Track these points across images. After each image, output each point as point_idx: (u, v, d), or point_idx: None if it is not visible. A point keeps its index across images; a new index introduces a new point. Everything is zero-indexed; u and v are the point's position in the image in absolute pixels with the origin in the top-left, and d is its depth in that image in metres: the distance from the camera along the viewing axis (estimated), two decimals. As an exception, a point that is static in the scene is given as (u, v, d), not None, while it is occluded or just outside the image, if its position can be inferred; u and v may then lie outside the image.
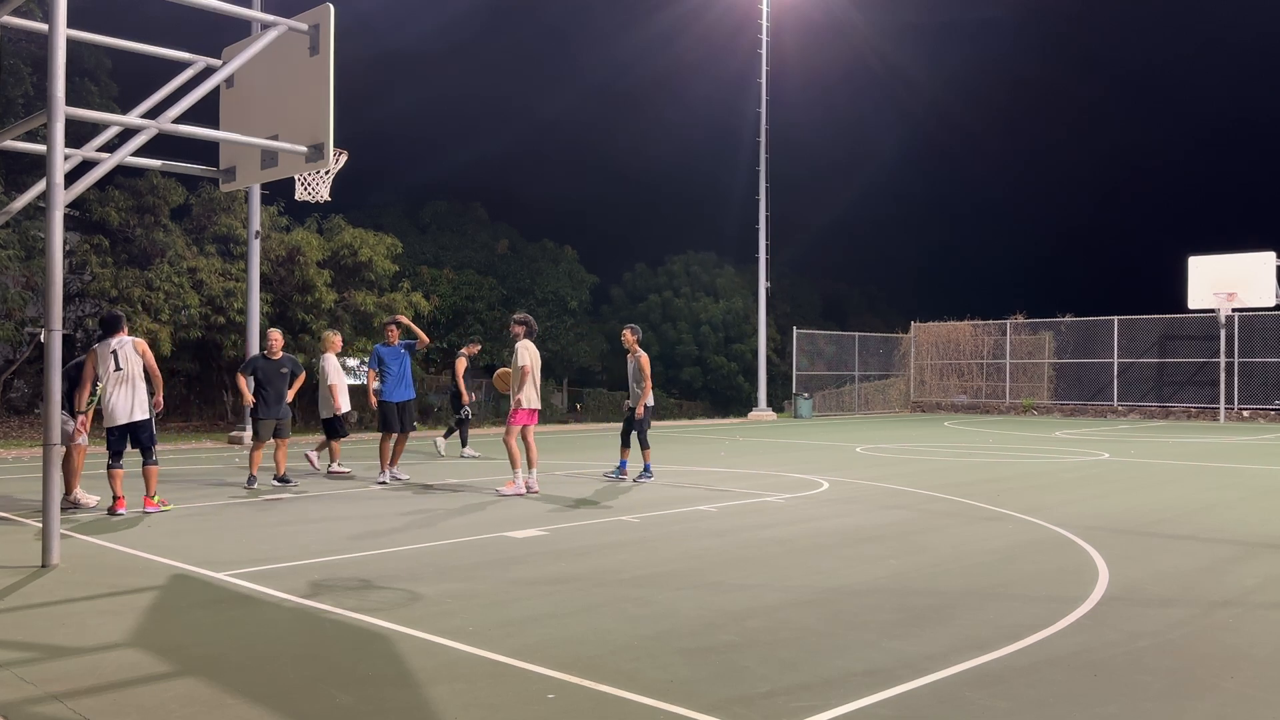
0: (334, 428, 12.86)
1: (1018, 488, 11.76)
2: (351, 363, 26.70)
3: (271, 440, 11.50)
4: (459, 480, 12.28)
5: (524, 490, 10.76)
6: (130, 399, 9.13)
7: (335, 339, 13.14)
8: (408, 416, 12.12)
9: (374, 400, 12.16)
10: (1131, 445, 18.75)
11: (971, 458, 16.02)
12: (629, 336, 12.62)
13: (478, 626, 5.32)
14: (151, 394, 9.29)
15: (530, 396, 10.91)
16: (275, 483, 11.41)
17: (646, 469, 12.35)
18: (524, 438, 10.95)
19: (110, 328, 9.30)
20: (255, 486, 11.25)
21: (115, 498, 9.20)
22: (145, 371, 9.23)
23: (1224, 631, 5.38)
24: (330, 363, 12.89)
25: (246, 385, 11.64)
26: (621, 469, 12.54)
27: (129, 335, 9.33)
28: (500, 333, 30.75)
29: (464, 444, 15.79)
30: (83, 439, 9.53)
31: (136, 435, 9.22)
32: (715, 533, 8.43)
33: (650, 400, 12.50)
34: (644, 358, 12.44)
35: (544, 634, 5.19)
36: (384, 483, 11.70)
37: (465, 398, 15.36)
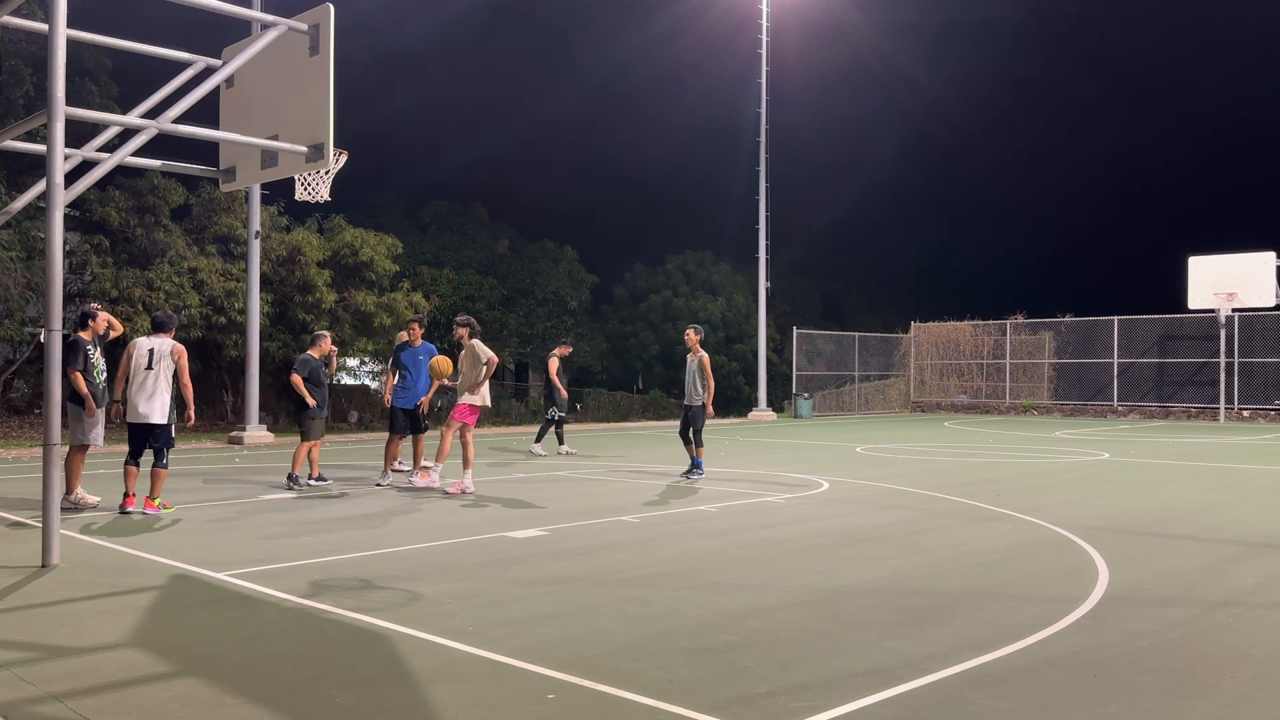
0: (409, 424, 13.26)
1: (1018, 488, 11.76)
2: (351, 362, 26.73)
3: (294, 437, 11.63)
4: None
5: (473, 488, 10.69)
6: (151, 400, 9.14)
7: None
8: (416, 421, 11.94)
9: (388, 400, 12.03)
10: (1131, 445, 18.75)
11: (971, 458, 16.02)
12: (692, 336, 12.86)
13: (478, 626, 5.32)
14: (178, 400, 9.29)
15: (484, 394, 10.93)
16: (304, 484, 11.44)
17: (697, 464, 12.63)
18: (462, 437, 10.96)
19: (160, 328, 9.45)
20: (327, 483, 11.47)
21: (125, 495, 9.24)
22: (177, 378, 9.28)
23: (1224, 631, 5.38)
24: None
25: (305, 386, 11.45)
26: (697, 466, 12.74)
27: (172, 339, 9.40)
28: (499, 332, 30.72)
29: (560, 441, 16.17)
30: (98, 438, 9.52)
31: (152, 437, 9.22)
32: (715, 533, 8.44)
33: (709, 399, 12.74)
34: (705, 357, 12.66)
35: (544, 634, 5.20)
36: (380, 484, 11.61)
37: (563, 394, 15.76)
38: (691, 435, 12.66)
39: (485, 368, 10.81)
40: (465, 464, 10.94)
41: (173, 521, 8.87)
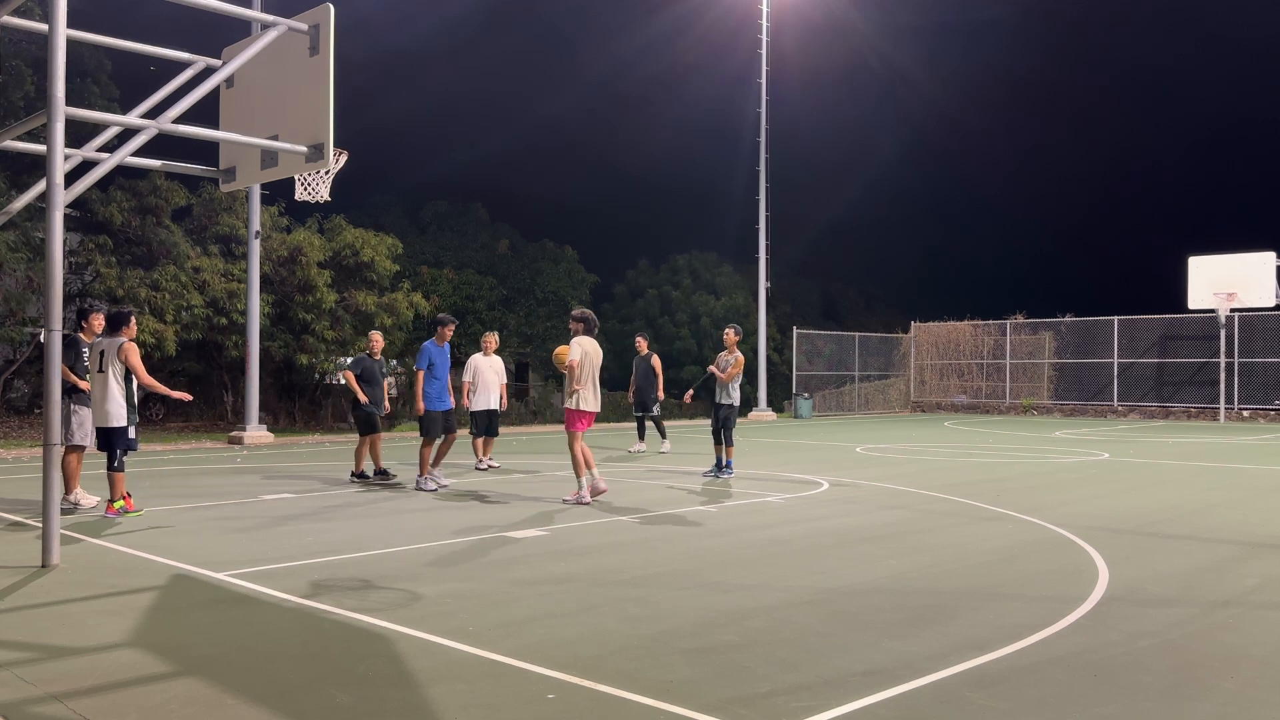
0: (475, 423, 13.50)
1: (1018, 488, 11.76)
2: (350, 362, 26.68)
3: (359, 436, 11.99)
4: (458, 482, 12.27)
5: (589, 498, 10.18)
6: (106, 405, 8.95)
7: (492, 339, 13.44)
8: (451, 423, 11.80)
9: (420, 406, 11.52)
10: (1131, 445, 18.75)
11: (971, 458, 16.02)
12: (731, 336, 13.03)
13: (478, 626, 5.32)
14: (131, 400, 9.06)
15: (586, 398, 10.27)
16: (362, 478, 11.89)
17: (728, 465, 12.85)
18: (569, 445, 10.43)
19: (113, 325, 9.23)
20: (371, 480, 11.78)
21: (105, 501, 9.11)
22: (134, 377, 9.07)
23: (1224, 631, 5.38)
24: (470, 361, 13.30)
25: (357, 383, 11.83)
26: (727, 466, 12.86)
27: (126, 337, 9.17)
28: (499, 332, 30.74)
29: (641, 437, 16.57)
30: (89, 440, 9.48)
31: (109, 439, 9.03)
32: (715, 533, 8.43)
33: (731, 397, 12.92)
34: (740, 357, 12.82)
35: (544, 634, 5.19)
36: (428, 489, 11.26)
37: (630, 394, 15.91)
38: (723, 435, 12.79)
39: (569, 367, 10.27)
40: (588, 464, 10.29)
41: (173, 521, 8.86)
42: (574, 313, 10.74)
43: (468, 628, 5.29)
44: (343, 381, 13.16)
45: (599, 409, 10.50)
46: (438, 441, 11.57)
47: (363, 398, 11.74)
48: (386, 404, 12.40)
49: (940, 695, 4.28)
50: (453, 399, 11.89)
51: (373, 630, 5.26)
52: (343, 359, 24.77)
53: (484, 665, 4.66)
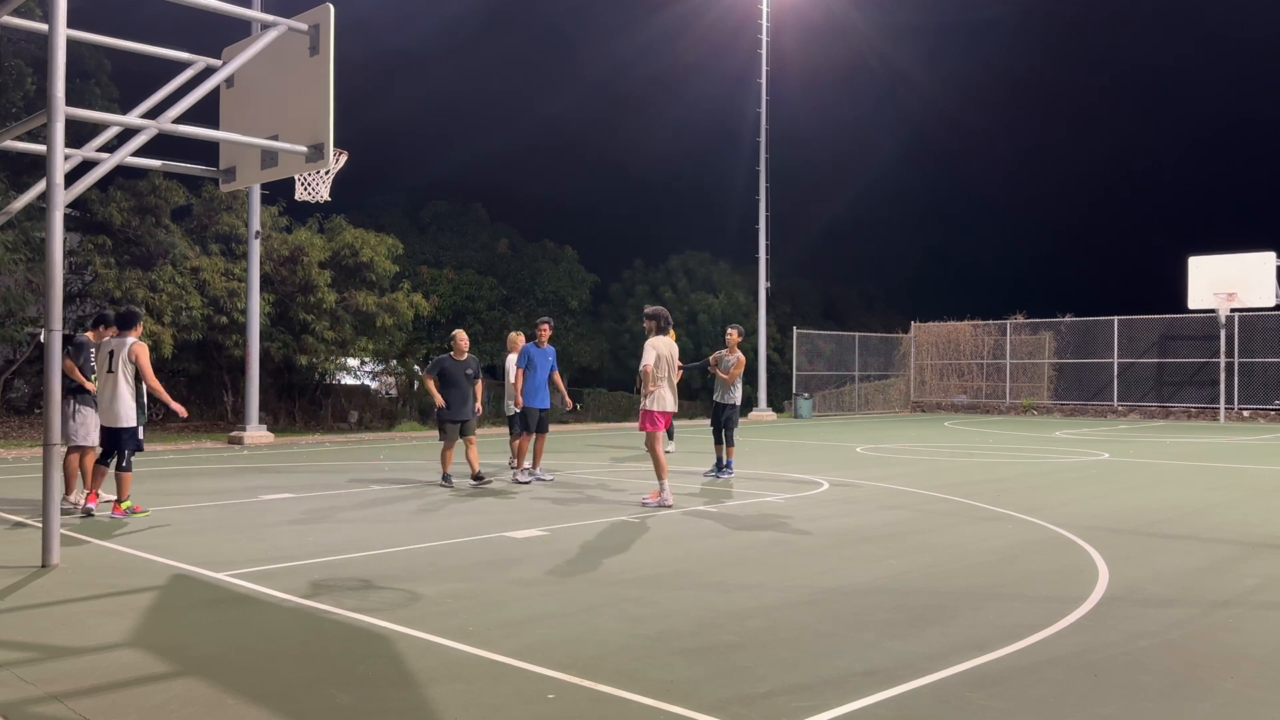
0: (513, 425, 13.29)
1: (1018, 488, 11.76)
2: (352, 362, 26.67)
3: (460, 440, 11.76)
4: (462, 481, 12.27)
5: (669, 502, 9.98)
6: (114, 405, 8.94)
7: (519, 339, 13.35)
8: (545, 421, 12.15)
9: (519, 402, 12.03)
10: (1131, 445, 18.75)
11: (971, 458, 16.02)
12: (734, 336, 13.05)
13: (478, 626, 5.32)
14: (140, 400, 9.07)
15: (662, 398, 10.12)
16: (472, 482, 11.66)
17: (728, 465, 12.82)
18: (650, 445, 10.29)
19: (123, 325, 9.22)
20: (454, 485, 11.57)
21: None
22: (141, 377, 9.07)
23: (1224, 631, 5.38)
24: (510, 360, 13.17)
25: (435, 387, 11.71)
26: (727, 466, 12.83)
27: (134, 337, 9.16)
28: (500, 333, 30.75)
29: (670, 437, 16.47)
30: (93, 439, 9.45)
31: (118, 440, 9.03)
32: (715, 533, 8.44)
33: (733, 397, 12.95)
34: (741, 358, 12.84)
35: (544, 634, 5.20)
36: (525, 481, 11.85)
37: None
38: (724, 435, 12.79)
39: (641, 371, 10.13)
40: (658, 472, 10.11)
41: (172, 521, 8.87)
42: (646, 310, 10.61)
43: (468, 628, 5.29)
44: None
45: (676, 409, 10.44)
46: (517, 438, 12.02)
47: (439, 402, 11.56)
48: (478, 405, 11.99)
49: (940, 695, 4.28)
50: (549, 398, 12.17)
51: (373, 630, 5.26)
52: (344, 359, 24.81)
53: (484, 665, 4.66)
